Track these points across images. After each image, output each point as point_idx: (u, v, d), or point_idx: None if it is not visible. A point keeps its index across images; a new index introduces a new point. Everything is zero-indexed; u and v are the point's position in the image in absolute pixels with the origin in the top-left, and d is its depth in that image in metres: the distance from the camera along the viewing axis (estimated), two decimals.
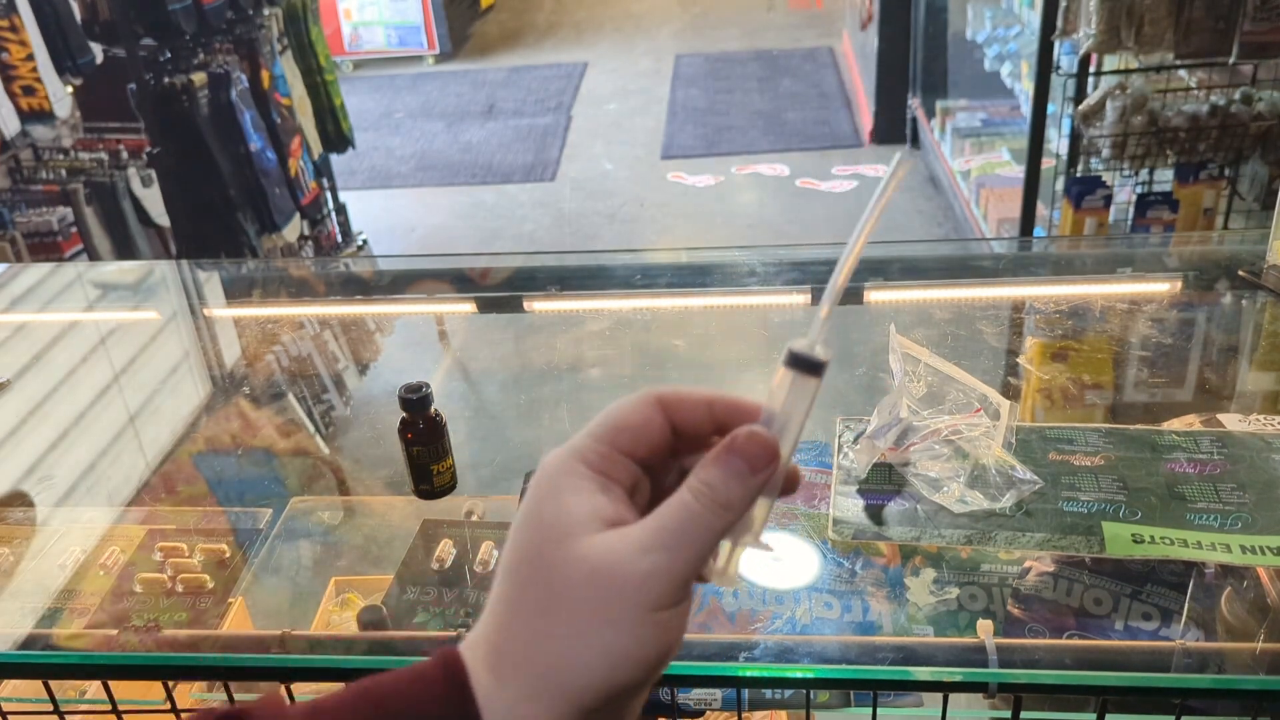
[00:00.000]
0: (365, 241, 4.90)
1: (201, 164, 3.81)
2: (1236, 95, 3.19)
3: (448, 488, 1.16)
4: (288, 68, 4.26)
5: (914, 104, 5.68)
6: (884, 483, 0.99)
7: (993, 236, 4.18)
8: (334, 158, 4.76)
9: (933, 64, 5.54)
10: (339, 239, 4.75)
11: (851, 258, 0.47)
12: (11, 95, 3.48)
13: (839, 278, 0.47)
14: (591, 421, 0.47)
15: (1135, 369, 1.32)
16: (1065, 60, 3.35)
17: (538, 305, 1.64)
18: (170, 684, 0.94)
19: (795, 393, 0.46)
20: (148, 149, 3.73)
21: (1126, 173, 3.31)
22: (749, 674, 0.84)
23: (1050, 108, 3.33)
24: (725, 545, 0.46)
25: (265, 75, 4.05)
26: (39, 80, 3.50)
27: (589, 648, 0.42)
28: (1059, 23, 3.06)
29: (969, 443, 0.99)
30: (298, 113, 4.31)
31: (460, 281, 1.80)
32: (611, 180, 5.84)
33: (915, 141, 5.78)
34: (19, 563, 1.15)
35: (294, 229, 4.22)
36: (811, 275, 1.61)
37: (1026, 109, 3.64)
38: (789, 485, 0.47)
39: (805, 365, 0.46)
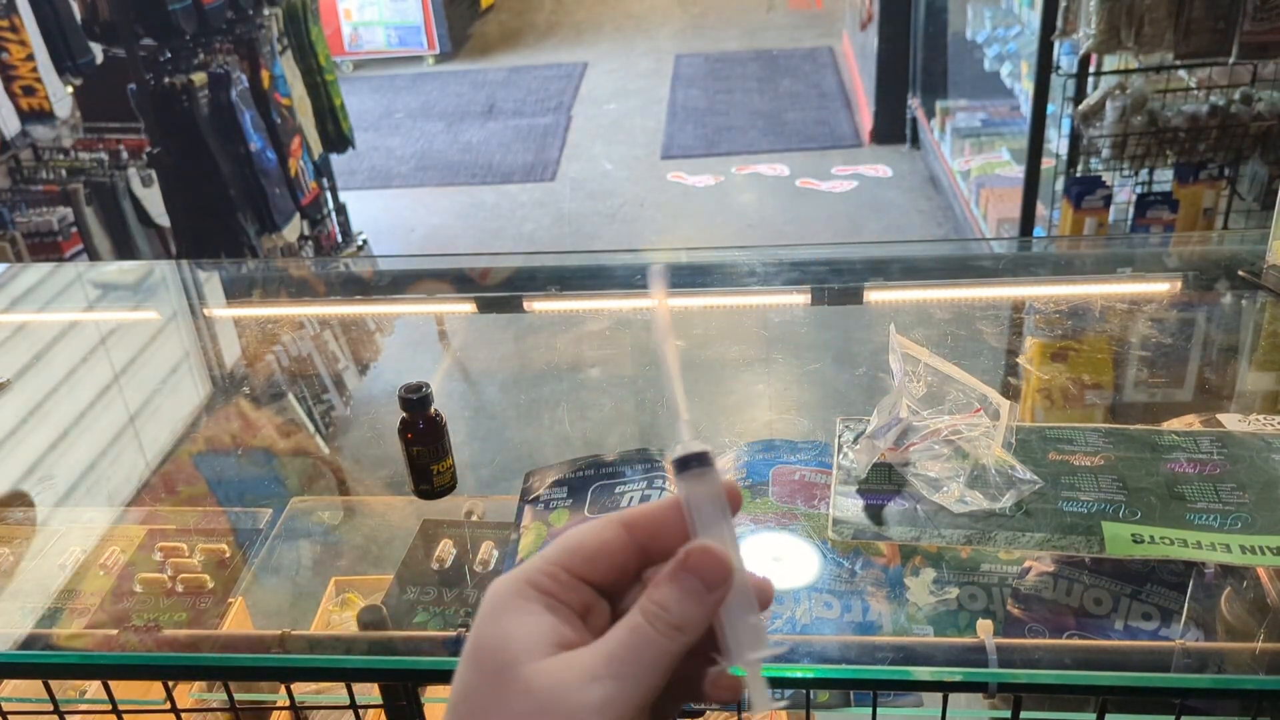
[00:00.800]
0: (365, 241, 4.90)
1: (201, 164, 3.81)
2: (1236, 95, 3.19)
3: (448, 488, 1.16)
4: (288, 68, 4.26)
5: (914, 104, 5.68)
6: (884, 483, 0.99)
7: (993, 236, 4.18)
8: (334, 158, 4.76)
9: (933, 64, 5.54)
10: (339, 239, 4.75)
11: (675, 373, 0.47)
12: (12, 95, 3.48)
13: (677, 387, 0.47)
14: (547, 545, 0.44)
15: (1135, 369, 1.32)
16: (1065, 60, 3.35)
17: (538, 305, 1.64)
18: (170, 684, 0.94)
19: (706, 493, 0.44)
20: (148, 149, 3.73)
21: (1126, 173, 3.31)
22: None
23: (1050, 108, 3.33)
24: (748, 673, 0.43)
25: (265, 75, 4.05)
26: (39, 80, 3.50)
27: None
28: (1059, 23, 3.06)
29: (969, 443, 0.99)
30: (298, 113, 4.31)
31: (460, 281, 1.80)
32: (611, 180, 5.84)
33: (915, 141, 5.78)
34: (19, 563, 1.15)
35: (294, 229, 4.22)
36: (811, 275, 1.61)
37: (1026, 109, 3.64)
38: (764, 596, 0.44)
39: (697, 461, 0.44)
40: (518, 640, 0.41)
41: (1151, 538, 0.89)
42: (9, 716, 1.04)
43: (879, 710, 0.87)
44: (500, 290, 1.71)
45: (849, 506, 0.97)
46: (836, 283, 1.61)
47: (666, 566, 0.43)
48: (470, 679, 0.41)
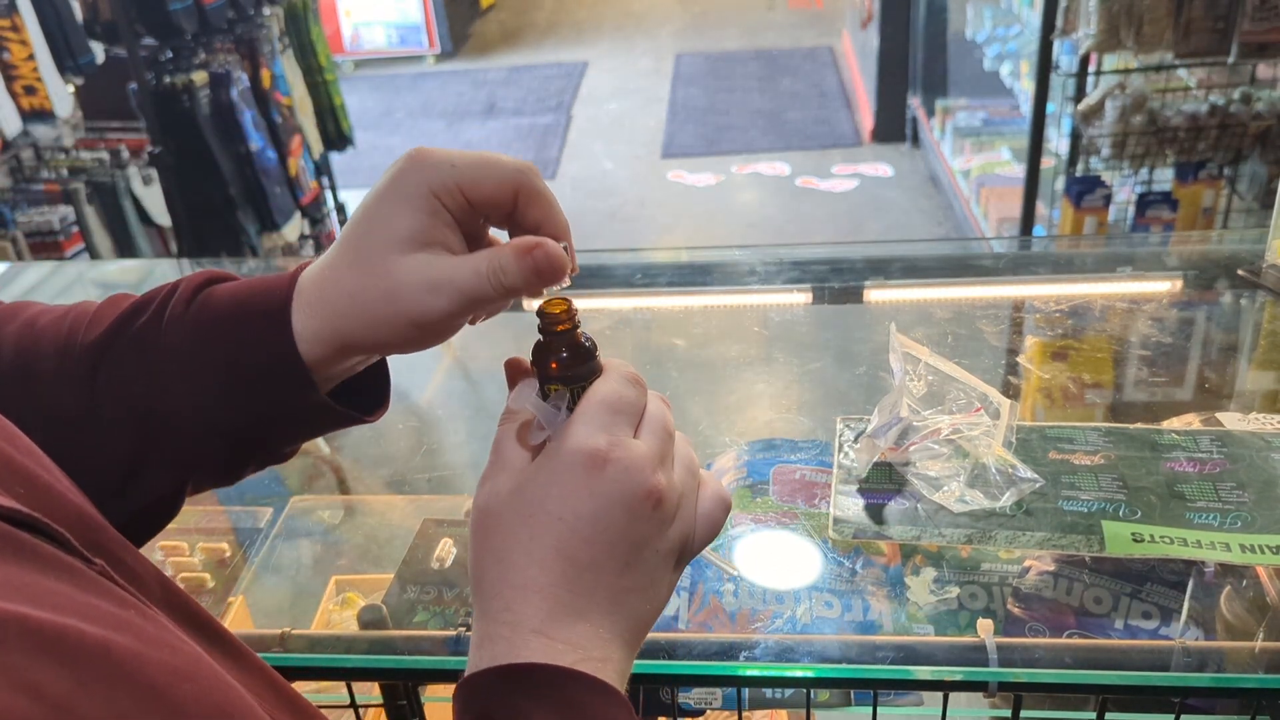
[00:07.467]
0: None
1: (202, 163, 3.81)
2: (1236, 95, 3.19)
3: None
4: (288, 67, 4.26)
5: (914, 103, 5.68)
6: (884, 482, 0.99)
7: (993, 236, 4.19)
8: (334, 157, 4.76)
9: (933, 63, 5.54)
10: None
11: None
12: (13, 95, 3.48)
13: None
14: (465, 151, 0.55)
15: (1135, 368, 1.33)
16: (1065, 60, 3.35)
17: (538, 304, 1.63)
18: None
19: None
20: (149, 148, 3.74)
21: (1126, 172, 3.31)
22: (749, 673, 0.84)
23: (1050, 107, 3.33)
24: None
25: (266, 75, 4.06)
26: (40, 80, 3.50)
27: (362, 328, 0.54)
28: (1058, 22, 3.06)
29: (969, 442, 0.99)
30: (298, 112, 4.31)
31: None
32: (612, 179, 5.84)
33: (916, 141, 5.78)
34: None
35: (294, 228, 4.22)
36: (812, 274, 1.61)
37: (1026, 108, 3.64)
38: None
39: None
40: (394, 229, 0.53)
41: (1151, 537, 0.89)
42: None
43: (879, 709, 0.87)
44: None
45: (849, 506, 0.97)
46: (837, 282, 1.61)
47: (522, 240, 0.54)
48: (359, 230, 0.54)
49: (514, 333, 1.69)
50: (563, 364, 0.56)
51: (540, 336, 0.58)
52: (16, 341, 0.61)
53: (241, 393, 0.57)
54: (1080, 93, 3.25)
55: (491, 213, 0.56)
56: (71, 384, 0.59)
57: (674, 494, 0.54)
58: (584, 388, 0.56)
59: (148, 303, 0.59)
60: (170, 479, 0.61)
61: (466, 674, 0.52)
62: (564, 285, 0.57)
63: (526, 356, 0.59)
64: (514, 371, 0.59)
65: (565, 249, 0.55)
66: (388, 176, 0.54)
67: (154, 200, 3.84)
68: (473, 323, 0.60)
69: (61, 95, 3.58)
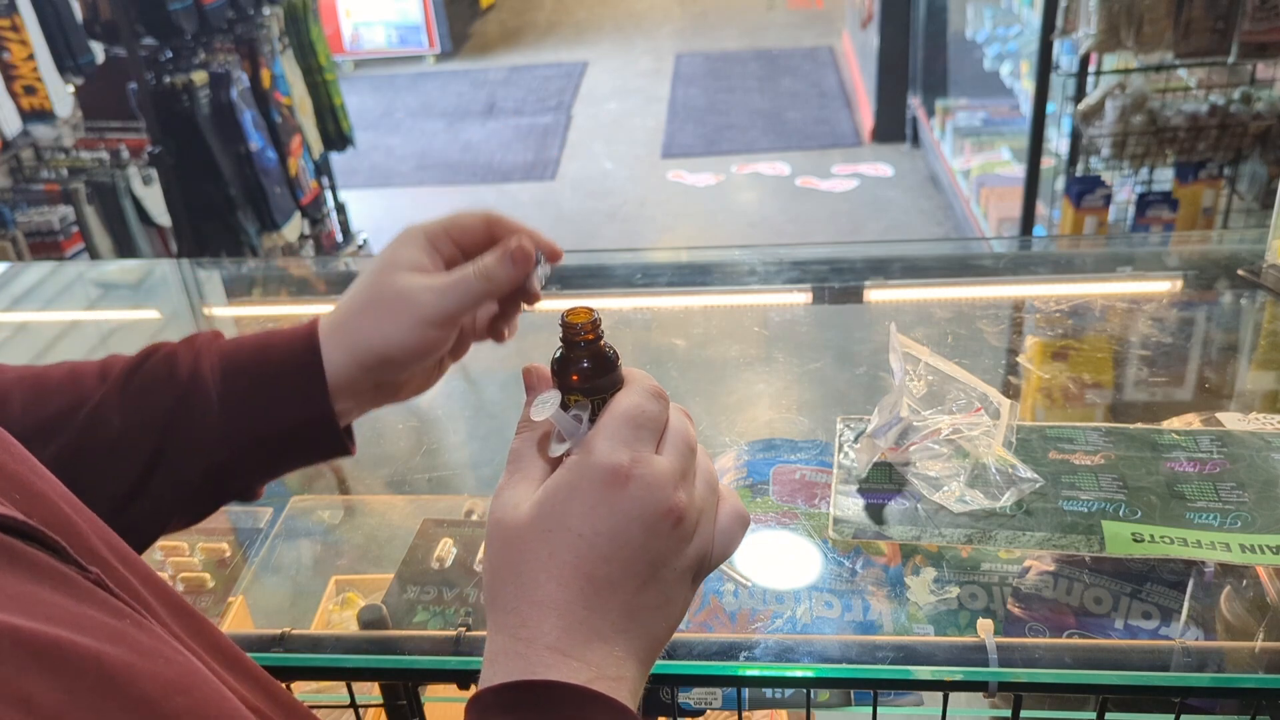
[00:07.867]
0: (365, 241, 4.91)
1: (202, 163, 3.81)
2: (1236, 95, 3.19)
3: None
4: (288, 67, 4.26)
5: (914, 103, 5.68)
6: (884, 482, 0.99)
7: (993, 235, 4.19)
8: (334, 157, 4.76)
9: (933, 63, 5.54)
10: (339, 238, 4.75)
11: None
12: (13, 95, 3.48)
13: None
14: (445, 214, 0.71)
15: (1135, 368, 1.33)
16: (1065, 60, 3.35)
17: (537, 304, 1.63)
18: None
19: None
20: (149, 148, 3.73)
21: (1126, 172, 3.31)
22: (749, 673, 0.84)
23: (1050, 107, 3.33)
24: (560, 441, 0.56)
25: (266, 74, 4.06)
26: (40, 80, 3.49)
27: (379, 333, 0.68)
28: (1059, 22, 3.06)
29: (969, 442, 0.99)
30: (298, 112, 4.31)
31: None
32: (612, 179, 5.84)
33: (916, 140, 5.78)
34: None
35: (294, 228, 4.22)
36: (812, 274, 1.61)
37: (1026, 108, 3.64)
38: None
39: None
40: (400, 260, 0.69)
41: (1151, 537, 0.89)
42: None
43: (879, 709, 0.87)
44: None
45: (849, 506, 0.97)
46: (837, 282, 1.61)
47: (497, 246, 0.70)
48: (373, 270, 0.70)
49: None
50: (585, 375, 0.55)
51: (562, 345, 0.56)
52: (17, 374, 0.70)
53: (264, 399, 0.69)
54: (1080, 93, 3.25)
55: (472, 246, 0.71)
56: (99, 401, 0.68)
57: (694, 511, 0.54)
58: (605, 399, 0.55)
59: (170, 343, 0.71)
60: (169, 500, 0.69)
61: (479, 689, 0.51)
62: (547, 271, 0.71)
63: (531, 360, 0.59)
64: (532, 379, 0.59)
65: (537, 250, 0.70)
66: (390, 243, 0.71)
67: (154, 200, 3.84)
68: (485, 337, 0.78)
69: (61, 95, 3.58)
